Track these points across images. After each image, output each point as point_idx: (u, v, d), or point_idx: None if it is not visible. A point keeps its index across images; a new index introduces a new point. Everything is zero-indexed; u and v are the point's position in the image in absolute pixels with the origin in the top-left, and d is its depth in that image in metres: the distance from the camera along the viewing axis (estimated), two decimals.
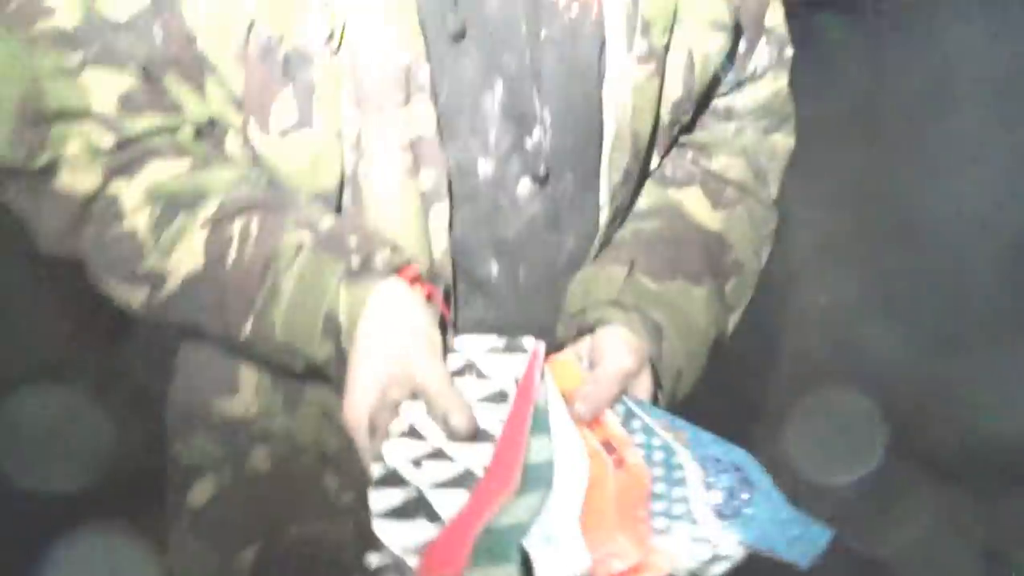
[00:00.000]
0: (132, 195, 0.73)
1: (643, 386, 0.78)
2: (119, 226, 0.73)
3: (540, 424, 0.72)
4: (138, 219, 0.73)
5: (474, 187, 0.79)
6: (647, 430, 0.75)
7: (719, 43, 0.83)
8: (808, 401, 0.87)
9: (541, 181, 0.80)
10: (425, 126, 0.74)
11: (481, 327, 0.78)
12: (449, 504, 0.68)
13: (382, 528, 0.68)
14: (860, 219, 2.35)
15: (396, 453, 0.70)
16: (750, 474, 0.73)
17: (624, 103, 0.80)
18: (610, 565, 0.67)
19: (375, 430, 0.69)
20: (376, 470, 0.70)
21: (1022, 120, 2.63)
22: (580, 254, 0.84)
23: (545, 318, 0.83)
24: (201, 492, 0.87)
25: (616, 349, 0.77)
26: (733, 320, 0.90)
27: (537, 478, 0.70)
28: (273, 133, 0.73)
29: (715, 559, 0.68)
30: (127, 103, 0.73)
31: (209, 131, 0.77)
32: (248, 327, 0.72)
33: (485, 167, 0.79)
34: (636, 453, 0.73)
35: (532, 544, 0.67)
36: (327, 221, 0.74)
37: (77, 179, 0.73)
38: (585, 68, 0.79)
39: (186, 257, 0.73)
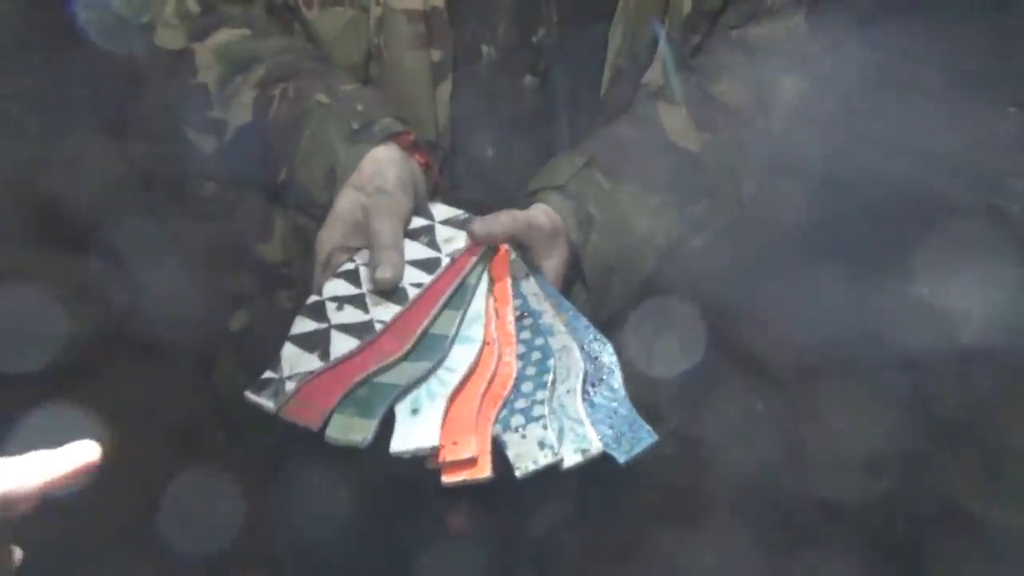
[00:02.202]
0: (203, 54, 0.87)
1: (554, 261, 0.83)
2: (194, 79, 0.87)
3: (457, 300, 0.76)
4: (207, 76, 0.86)
5: (476, 71, 0.87)
6: (535, 329, 0.78)
7: None
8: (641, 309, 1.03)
9: (542, 76, 0.88)
10: None
11: (477, 208, 0.84)
12: (342, 348, 0.74)
13: (286, 349, 0.75)
14: None
15: (330, 289, 0.78)
16: (605, 364, 0.77)
17: (630, 10, 0.86)
18: (449, 451, 0.69)
19: (327, 266, 0.79)
20: (310, 299, 0.78)
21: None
22: (574, 147, 0.90)
23: None
24: (238, 320, 1.01)
25: (536, 209, 0.83)
26: (702, 237, 0.92)
27: (430, 348, 0.73)
28: (314, 8, 0.86)
29: (551, 466, 0.71)
30: None
31: (278, 9, 0.89)
32: (283, 174, 0.84)
33: (489, 54, 0.87)
34: (513, 352, 0.76)
35: (400, 409, 0.71)
36: (347, 87, 0.85)
37: (169, 37, 0.88)
38: None
39: (240, 111, 0.86)
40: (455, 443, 0.70)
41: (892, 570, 1.68)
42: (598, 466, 0.84)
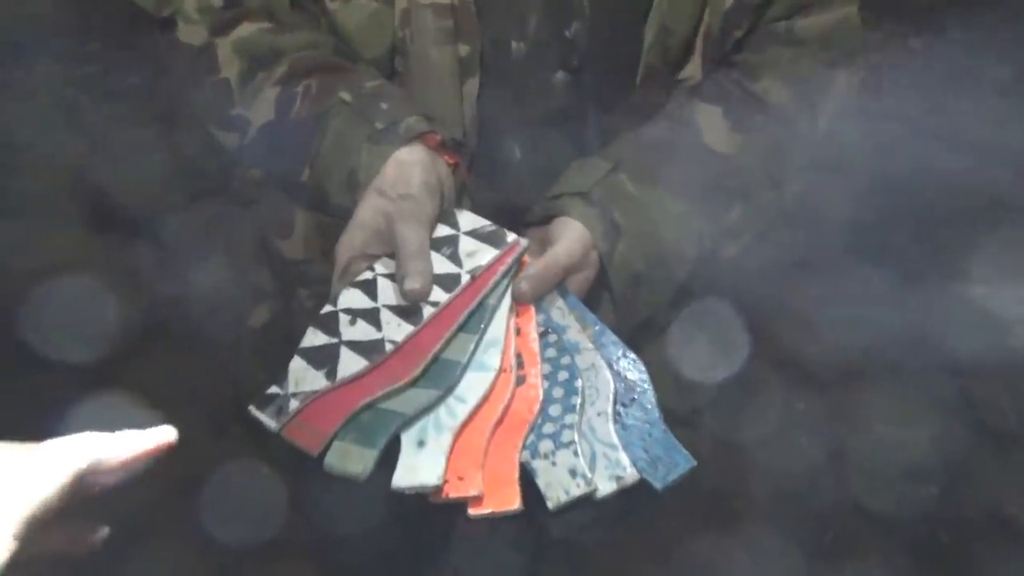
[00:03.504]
0: (225, 50, 0.84)
1: (581, 278, 0.79)
2: (216, 75, 0.84)
3: (474, 324, 0.71)
4: (229, 71, 0.83)
5: (505, 67, 0.83)
6: (560, 347, 0.74)
7: None
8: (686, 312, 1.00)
9: (575, 73, 0.83)
10: None
11: (502, 209, 0.81)
12: (350, 367, 0.70)
13: (294, 363, 0.71)
14: None
15: (345, 300, 0.74)
16: (635, 383, 0.72)
17: (666, 3, 0.81)
18: (454, 487, 0.66)
19: (345, 274, 0.76)
20: (324, 309, 0.74)
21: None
22: (604, 148, 0.85)
23: None
24: (259, 316, 0.98)
25: (568, 239, 0.78)
26: (736, 246, 0.88)
27: (441, 374, 0.69)
28: (337, 0, 0.82)
29: (585, 496, 0.67)
30: None
31: (302, 0, 0.85)
32: (306, 173, 0.81)
33: (519, 49, 0.83)
34: (539, 373, 0.71)
35: (406, 439, 0.67)
36: (372, 84, 0.81)
37: (190, 32, 0.85)
38: None
39: (263, 108, 0.82)
40: (461, 478, 0.66)
41: None
42: None
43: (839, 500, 1.69)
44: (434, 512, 0.96)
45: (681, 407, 0.97)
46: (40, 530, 0.43)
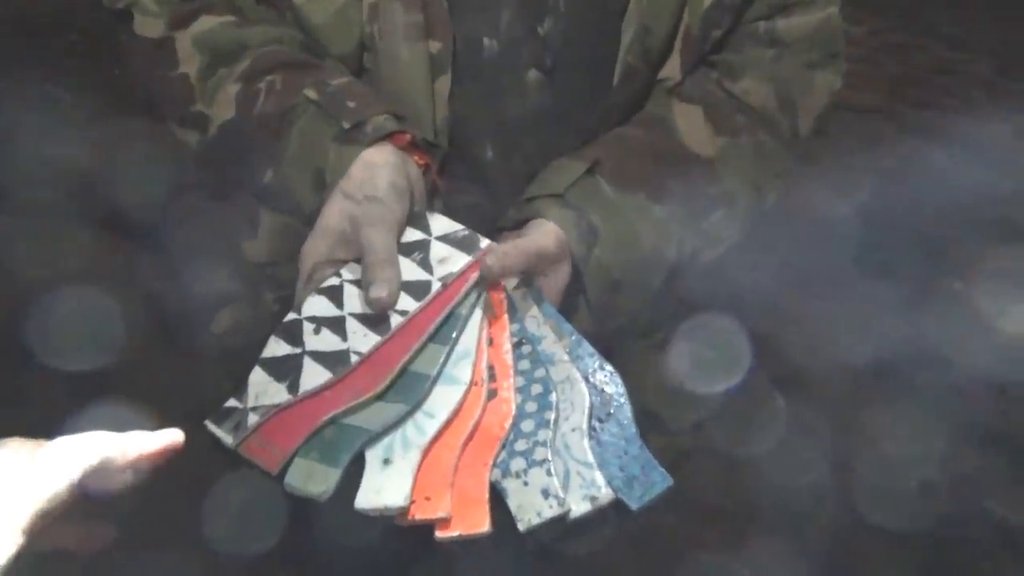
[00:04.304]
0: (184, 44, 0.80)
1: (556, 280, 0.77)
2: (175, 70, 0.80)
3: (444, 334, 0.68)
4: (188, 67, 0.80)
5: (478, 65, 0.80)
6: (535, 358, 0.71)
7: None
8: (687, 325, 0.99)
9: (548, 72, 0.81)
10: None
11: (475, 212, 0.78)
12: (313, 380, 0.66)
13: (255, 375, 0.68)
14: None
15: (310, 307, 0.70)
16: (612, 396, 0.70)
17: (644, 1, 0.79)
18: (421, 508, 0.63)
19: (310, 280, 0.72)
20: (288, 317, 0.70)
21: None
22: (580, 149, 0.83)
23: None
24: (222, 321, 0.94)
25: (541, 232, 0.76)
26: (717, 251, 0.86)
27: (409, 388, 0.66)
28: None
29: (558, 518, 0.64)
30: None
31: None
32: (269, 174, 0.77)
33: (491, 47, 0.80)
34: (511, 386, 0.68)
35: (371, 457, 0.64)
36: (339, 81, 0.77)
37: (147, 25, 0.81)
38: None
39: (224, 106, 0.79)
40: (428, 499, 0.63)
41: None
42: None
43: (845, 516, 1.68)
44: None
45: (685, 421, 0.96)
46: (48, 525, 0.43)
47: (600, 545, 0.98)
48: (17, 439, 0.46)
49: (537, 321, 0.72)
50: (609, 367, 0.71)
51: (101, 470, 0.46)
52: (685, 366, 0.92)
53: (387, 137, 0.75)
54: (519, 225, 0.79)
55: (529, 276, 0.75)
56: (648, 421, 0.93)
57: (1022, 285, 1.95)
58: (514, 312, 0.72)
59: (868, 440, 1.82)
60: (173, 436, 0.50)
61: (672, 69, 0.84)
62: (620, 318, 0.81)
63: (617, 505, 0.65)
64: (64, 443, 0.47)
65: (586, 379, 0.69)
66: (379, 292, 0.68)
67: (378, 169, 0.73)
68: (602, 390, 0.70)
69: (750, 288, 0.91)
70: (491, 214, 0.80)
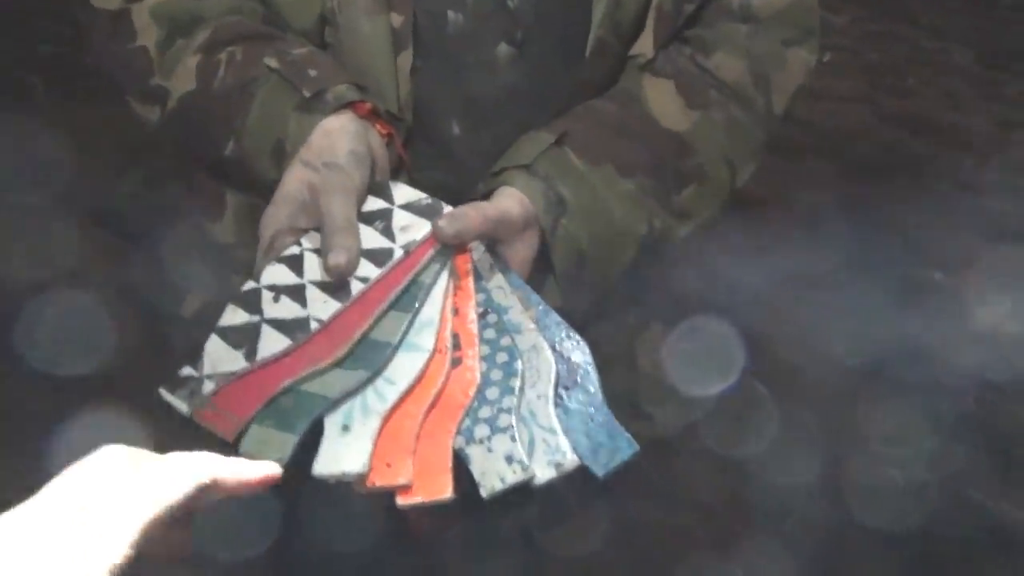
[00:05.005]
0: (141, 15, 0.79)
1: (523, 250, 0.76)
2: (133, 43, 0.79)
3: (407, 301, 0.68)
4: (146, 39, 0.78)
5: (441, 40, 0.79)
6: (500, 328, 0.70)
7: None
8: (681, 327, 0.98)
9: (518, 46, 0.79)
10: None
11: (442, 190, 0.76)
12: (270, 347, 0.65)
13: (211, 343, 0.67)
14: None
15: (269, 276, 0.69)
16: (579, 365, 0.69)
17: None
18: (381, 475, 0.62)
19: (270, 249, 0.71)
20: (246, 285, 0.69)
21: None
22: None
23: None
24: (190, 305, 0.92)
25: (505, 197, 0.75)
26: (688, 227, 0.84)
27: (369, 355, 0.65)
28: None
29: (521, 484, 0.64)
30: None
31: None
32: (229, 146, 0.76)
33: (456, 21, 0.78)
34: (476, 354, 0.68)
35: (330, 423, 0.63)
36: (300, 51, 0.76)
37: None
38: None
39: (183, 78, 0.77)
40: (388, 465, 0.62)
41: None
42: (633, 485, 0.78)
43: (836, 516, 1.68)
44: (426, 525, 0.95)
45: (678, 421, 0.96)
46: (160, 532, 0.45)
47: (592, 543, 0.98)
48: (116, 447, 0.47)
49: (504, 291, 0.71)
50: (576, 335, 0.70)
51: (210, 489, 0.48)
52: (679, 368, 0.91)
53: (348, 106, 0.74)
54: (486, 198, 0.78)
55: (493, 243, 0.74)
56: (638, 420, 0.93)
57: (1009, 281, 1.96)
58: (480, 282, 0.71)
59: (857, 438, 1.83)
60: (272, 469, 0.52)
61: (645, 45, 0.83)
62: (588, 292, 0.79)
63: (583, 472, 0.64)
64: (182, 457, 0.48)
65: (553, 347, 0.69)
66: (337, 258, 0.67)
67: (337, 136, 0.72)
68: (569, 358, 0.69)
69: (739, 287, 0.91)
70: (458, 192, 0.78)
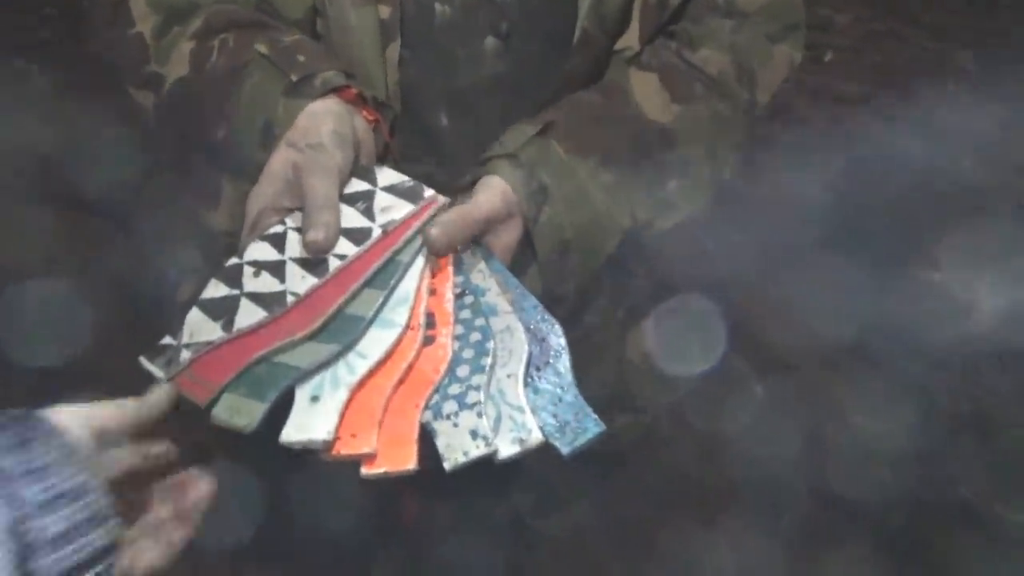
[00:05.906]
0: (139, 4, 0.81)
1: (505, 237, 0.77)
2: (131, 29, 0.81)
3: (383, 279, 0.69)
4: (144, 25, 0.81)
5: (429, 31, 0.80)
6: (476, 309, 0.71)
7: None
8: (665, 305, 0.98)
9: (505, 38, 0.81)
10: None
11: (429, 180, 0.77)
12: (247, 319, 0.67)
13: (191, 314, 0.68)
14: None
15: (252, 252, 0.71)
16: (552, 346, 0.70)
17: None
18: (346, 444, 0.64)
19: (255, 227, 0.73)
20: (229, 261, 0.71)
21: None
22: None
23: None
24: (186, 291, 0.93)
25: (489, 191, 0.76)
26: (672, 219, 0.85)
27: (343, 329, 0.66)
28: None
29: (485, 458, 0.65)
30: None
31: None
32: (221, 132, 0.78)
33: (443, 13, 0.80)
34: (450, 332, 0.69)
35: (300, 394, 0.65)
36: (291, 38, 0.78)
37: None
38: None
39: (177, 64, 0.79)
40: (353, 435, 0.64)
41: (912, 571, 1.66)
42: (613, 464, 0.78)
43: (814, 488, 1.70)
44: (415, 507, 0.95)
45: (658, 401, 0.97)
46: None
47: (577, 522, 0.98)
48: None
49: (483, 274, 0.73)
50: (551, 318, 0.71)
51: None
52: (661, 346, 0.92)
53: (335, 91, 0.75)
54: (471, 186, 0.79)
55: (478, 238, 0.75)
56: (621, 401, 0.94)
57: (994, 267, 1.98)
58: (460, 265, 0.73)
59: (841, 417, 1.84)
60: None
61: (631, 39, 0.84)
62: (570, 281, 0.80)
63: (548, 449, 0.65)
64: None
65: (527, 328, 0.70)
66: (316, 235, 0.68)
67: (321, 118, 0.73)
68: (543, 339, 0.70)
69: (725, 269, 0.92)
70: (445, 181, 0.79)
